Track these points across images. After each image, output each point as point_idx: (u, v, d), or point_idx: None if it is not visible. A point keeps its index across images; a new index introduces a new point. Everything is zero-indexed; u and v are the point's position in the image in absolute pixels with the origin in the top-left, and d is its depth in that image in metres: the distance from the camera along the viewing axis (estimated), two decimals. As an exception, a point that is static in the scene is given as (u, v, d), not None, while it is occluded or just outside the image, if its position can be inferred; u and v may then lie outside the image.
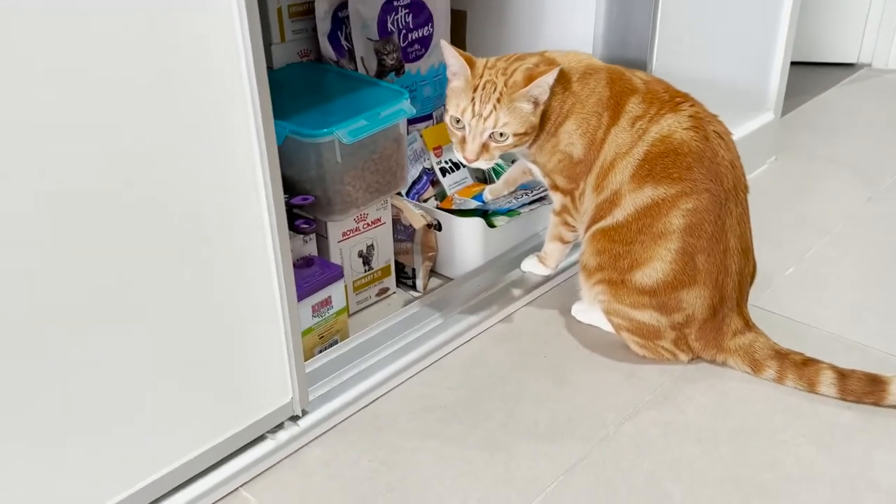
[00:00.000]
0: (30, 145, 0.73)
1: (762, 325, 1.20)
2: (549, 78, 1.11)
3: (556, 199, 1.27)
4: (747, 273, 1.19)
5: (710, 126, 1.16)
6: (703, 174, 1.13)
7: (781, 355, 1.16)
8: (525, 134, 1.15)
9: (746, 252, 1.19)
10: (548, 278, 1.40)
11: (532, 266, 1.39)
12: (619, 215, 1.17)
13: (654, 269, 1.15)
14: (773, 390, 1.16)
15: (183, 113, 0.83)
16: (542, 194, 1.43)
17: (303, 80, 1.36)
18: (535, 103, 1.13)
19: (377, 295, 1.40)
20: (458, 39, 1.67)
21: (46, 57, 0.72)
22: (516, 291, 1.37)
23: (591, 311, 1.30)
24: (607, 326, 1.28)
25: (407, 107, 1.27)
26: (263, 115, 0.89)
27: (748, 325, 1.20)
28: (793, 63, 1.90)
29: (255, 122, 0.89)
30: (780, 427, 1.09)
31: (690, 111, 1.17)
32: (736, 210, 1.16)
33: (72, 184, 0.77)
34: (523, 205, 1.43)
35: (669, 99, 1.18)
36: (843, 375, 1.13)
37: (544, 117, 1.17)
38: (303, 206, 1.23)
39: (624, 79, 1.19)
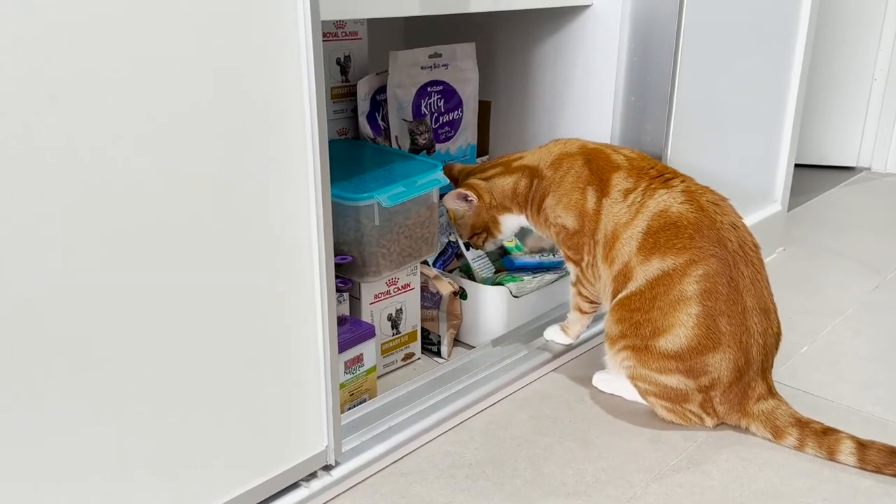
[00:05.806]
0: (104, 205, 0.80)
1: (782, 398, 1.23)
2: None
3: (571, 269, 1.36)
4: (771, 334, 1.21)
5: (703, 197, 1.23)
6: (705, 241, 1.18)
7: (802, 423, 1.19)
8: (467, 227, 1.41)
9: (766, 311, 1.20)
10: (570, 347, 1.44)
11: (554, 335, 1.43)
12: (632, 287, 1.22)
13: (677, 334, 1.19)
14: (794, 457, 1.18)
15: (258, 177, 0.91)
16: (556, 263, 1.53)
17: (343, 153, 1.45)
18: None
19: (403, 360, 1.44)
20: (483, 126, 1.77)
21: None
22: (539, 359, 1.40)
23: (613, 380, 1.33)
24: (630, 395, 1.31)
25: (441, 177, 1.35)
26: (322, 179, 0.97)
27: (771, 392, 1.22)
28: (797, 165, 2.01)
29: (314, 185, 0.97)
30: (803, 490, 1.11)
31: (682, 187, 1.23)
32: (747, 270, 1.18)
33: (142, 227, 0.83)
34: (539, 265, 1.51)
35: (658, 175, 1.26)
36: (862, 445, 1.15)
37: (527, 200, 1.35)
38: (339, 266, 1.29)
39: (601, 157, 1.30)
